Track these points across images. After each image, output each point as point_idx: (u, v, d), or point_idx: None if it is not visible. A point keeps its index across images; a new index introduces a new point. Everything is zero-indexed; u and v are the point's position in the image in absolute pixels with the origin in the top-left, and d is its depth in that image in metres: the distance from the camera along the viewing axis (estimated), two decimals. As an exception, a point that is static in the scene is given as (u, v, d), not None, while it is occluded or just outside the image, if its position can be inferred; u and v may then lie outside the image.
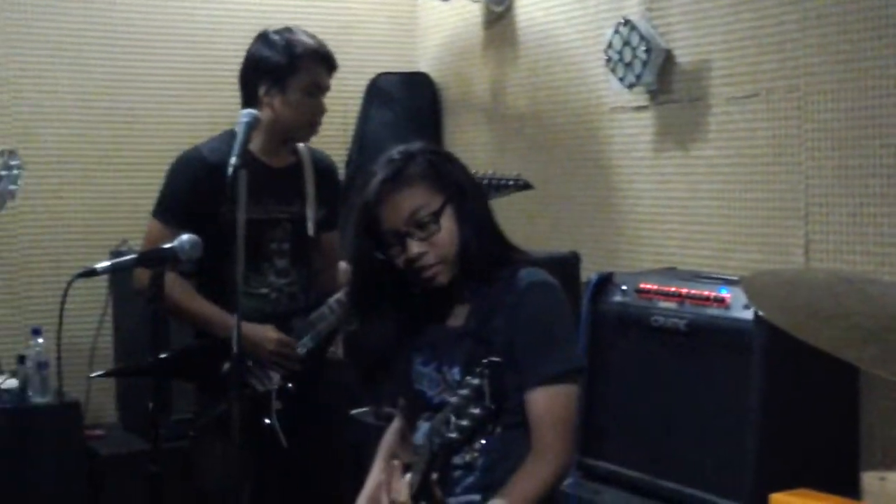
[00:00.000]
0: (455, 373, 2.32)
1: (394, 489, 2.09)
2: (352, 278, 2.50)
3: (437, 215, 2.32)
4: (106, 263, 2.88)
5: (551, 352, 2.29)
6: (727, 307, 3.03)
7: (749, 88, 3.60)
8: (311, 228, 3.44)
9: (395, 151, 2.39)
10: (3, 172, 3.71)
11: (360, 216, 2.37)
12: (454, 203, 2.34)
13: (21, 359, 4.34)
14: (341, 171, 4.95)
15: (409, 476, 2.05)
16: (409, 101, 5.20)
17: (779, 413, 2.92)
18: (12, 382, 4.36)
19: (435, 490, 2.01)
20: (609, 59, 3.99)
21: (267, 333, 3.27)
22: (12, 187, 3.70)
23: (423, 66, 5.33)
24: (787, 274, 2.97)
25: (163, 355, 2.87)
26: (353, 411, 4.13)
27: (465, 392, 1.84)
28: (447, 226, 2.33)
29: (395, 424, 2.59)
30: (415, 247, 2.31)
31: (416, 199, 2.32)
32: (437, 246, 2.32)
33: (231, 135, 3.31)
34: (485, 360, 1.82)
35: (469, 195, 2.37)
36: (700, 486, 3.05)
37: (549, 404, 2.27)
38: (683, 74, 3.84)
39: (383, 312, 2.42)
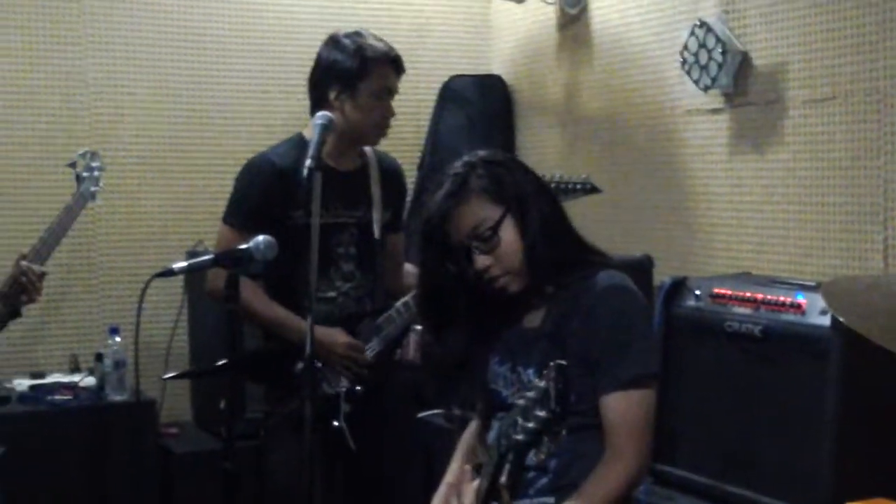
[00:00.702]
0: (530, 374, 2.33)
1: (463, 493, 2.10)
2: (420, 293, 2.52)
3: (496, 229, 2.32)
4: (183, 264, 2.91)
5: (628, 356, 2.27)
6: (803, 313, 2.99)
7: (826, 91, 3.54)
8: (376, 232, 3.45)
9: (458, 163, 2.40)
10: (86, 174, 3.76)
11: (426, 231, 2.39)
12: (514, 213, 2.33)
13: (99, 357, 4.42)
14: (413, 174, 4.98)
15: (476, 481, 2.05)
16: (481, 104, 5.20)
17: (855, 420, 2.87)
18: (90, 380, 4.44)
19: (503, 493, 2.01)
20: (684, 62, 3.96)
21: (337, 338, 3.29)
22: (94, 188, 3.75)
23: (496, 69, 5.33)
24: (865, 279, 2.93)
25: (235, 357, 2.89)
26: (422, 414, 4.14)
27: (531, 394, 1.84)
28: (508, 237, 2.33)
29: (474, 424, 2.59)
30: (480, 260, 2.33)
31: (475, 215, 2.33)
32: (501, 258, 2.33)
33: (298, 139, 3.35)
34: (551, 363, 1.82)
35: (531, 202, 2.35)
36: (774, 494, 3.01)
37: (624, 409, 2.25)
38: (760, 77, 3.79)
39: (456, 321, 2.42)
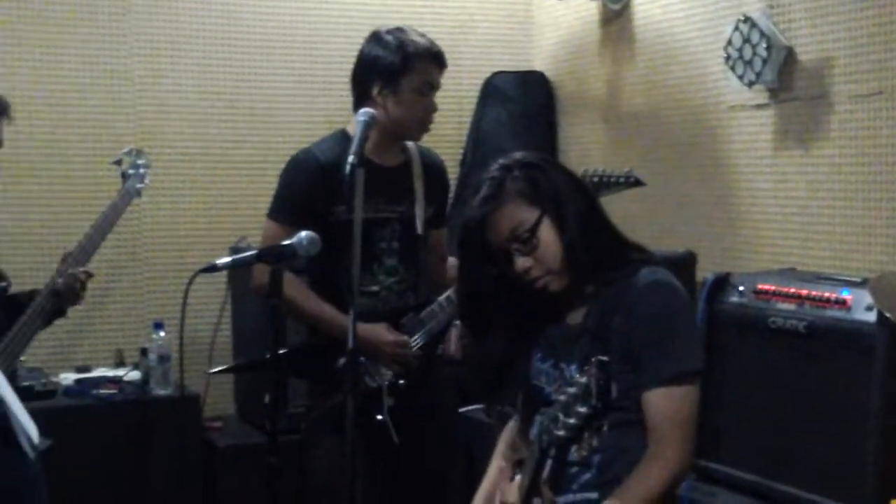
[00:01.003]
0: (572, 370, 2.32)
1: (505, 491, 2.10)
2: (460, 296, 2.54)
3: (534, 230, 2.32)
4: (227, 259, 2.93)
5: (671, 352, 2.26)
6: (849, 309, 2.96)
7: (873, 86, 3.51)
8: (419, 227, 3.46)
9: (494, 167, 2.41)
10: (131, 171, 3.79)
11: (464, 237, 2.40)
12: (551, 214, 2.33)
13: (144, 352, 4.46)
14: (455, 170, 4.98)
15: (518, 478, 2.05)
16: (523, 100, 5.20)
17: (901, 417, 2.85)
18: (135, 375, 4.49)
19: (544, 489, 2.01)
20: (728, 57, 3.93)
21: (383, 335, 3.30)
22: (139, 185, 3.79)
23: (538, 65, 5.32)
24: (911, 275, 2.90)
25: (279, 352, 2.91)
26: (464, 409, 4.14)
27: (572, 390, 1.84)
28: (547, 238, 2.33)
29: (515, 420, 2.60)
30: (520, 262, 2.34)
31: (513, 218, 2.33)
32: (541, 259, 2.33)
33: (342, 135, 3.36)
34: (592, 359, 1.82)
35: (568, 202, 2.35)
36: (818, 491, 2.99)
37: (667, 405, 2.25)
38: (805, 72, 3.76)
39: (498, 323, 2.43)
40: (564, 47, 5.15)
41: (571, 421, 1.83)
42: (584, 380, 1.82)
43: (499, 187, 2.35)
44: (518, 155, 2.43)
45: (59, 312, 3.32)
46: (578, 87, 5.08)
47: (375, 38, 3.39)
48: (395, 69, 3.31)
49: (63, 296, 3.27)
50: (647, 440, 2.27)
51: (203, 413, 4.58)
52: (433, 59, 3.38)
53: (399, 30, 3.39)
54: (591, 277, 2.36)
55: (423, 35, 3.41)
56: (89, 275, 3.34)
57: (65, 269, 3.28)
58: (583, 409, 1.81)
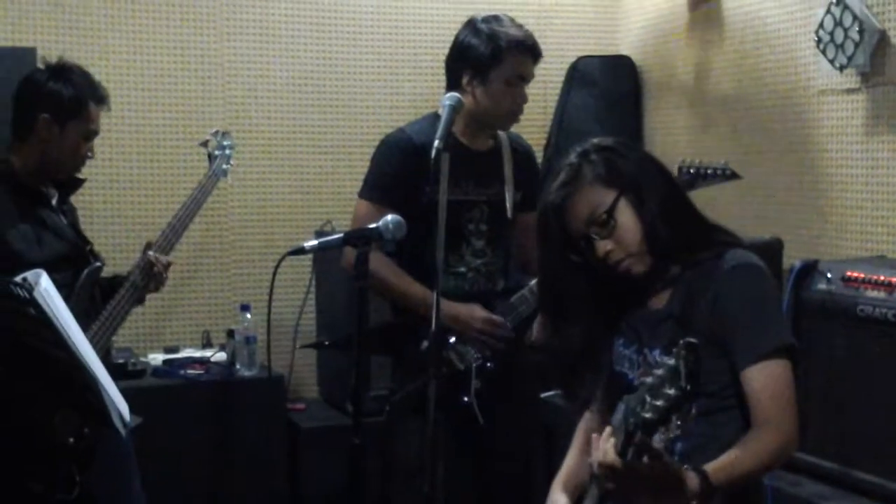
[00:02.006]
0: (656, 355, 2.30)
1: (601, 450, 2.06)
2: (540, 285, 2.53)
3: (611, 212, 2.31)
4: (314, 242, 2.94)
5: (764, 329, 2.23)
6: (939, 297, 2.91)
7: (969, 69, 3.43)
8: (509, 211, 3.46)
9: (572, 153, 2.39)
10: (217, 152, 3.84)
11: (542, 224, 2.39)
12: (629, 195, 2.31)
13: (230, 333, 4.52)
14: (540, 155, 4.97)
15: (612, 440, 2.03)
16: (609, 85, 5.16)
17: None
18: (221, 356, 4.55)
19: (643, 440, 1.96)
20: (819, 41, 3.87)
21: (475, 312, 3.32)
22: (225, 167, 3.83)
23: (624, 50, 5.28)
24: None
25: (365, 331, 2.92)
26: (545, 394, 4.14)
27: (660, 372, 1.82)
28: (625, 219, 2.31)
29: (594, 409, 2.58)
30: (601, 246, 2.32)
31: (589, 202, 2.32)
32: (621, 241, 2.31)
33: (435, 117, 3.36)
34: (681, 341, 1.79)
35: (645, 183, 2.32)
36: (905, 483, 2.94)
37: (767, 380, 2.20)
38: (898, 55, 3.69)
39: (578, 310, 2.41)
40: (651, 31, 5.10)
41: (659, 403, 1.81)
42: (672, 362, 1.80)
43: (576, 172, 2.34)
44: (596, 140, 2.41)
45: (140, 300, 3.37)
46: (665, 71, 5.04)
47: (471, 26, 3.38)
48: (486, 60, 3.30)
49: (142, 284, 3.31)
50: (745, 425, 2.23)
51: (287, 394, 4.63)
52: (526, 50, 3.37)
53: (495, 19, 3.37)
54: (674, 258, 2.33)
55: (519, 26, 3.39)
56: (169, 264, 3.37)
57: (144, 259, 3.33)
58: (671, 391, 1.79)
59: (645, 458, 1.98)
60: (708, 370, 2.07)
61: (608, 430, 2.06)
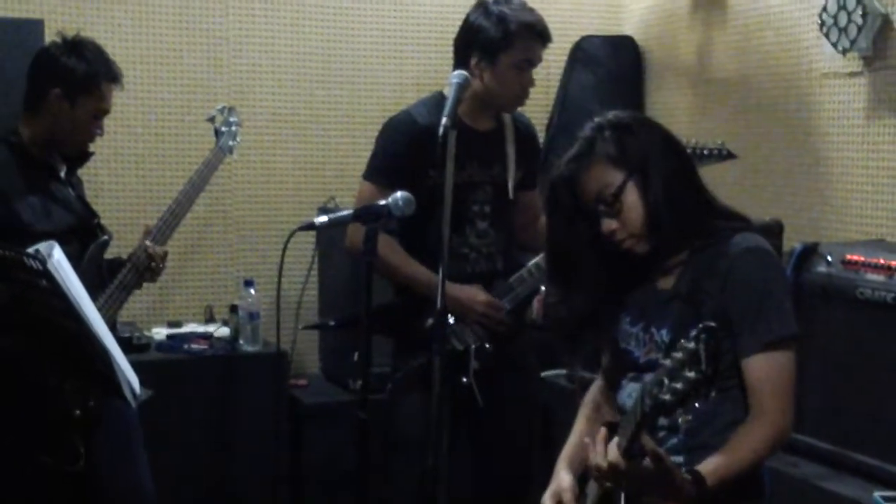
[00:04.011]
0: (663, 334, 2.33)
1: (600, 452, 2.10)
2: (548, 253, 2.54)
3: (618, 194, 2.33)
4: (324, 218, 2.90)
5: (769, 318, 2.26)
6: (939, 281, 2.93)
7: (972, 55, 3.45)
8: (510, 191, 3.48)
9: (588, 125, 2.40)
10: (224, 128, 3.85)
11: (552, 194, 2.41)
12: (637, 178, 2.33)
13: (234, 309, 4.54)
14: (542, 134, 4.98)
15: (616, 439, 2.06)
16: (612, 65, 5.17)
17: None
18: (224, 331, 4.57)
19: (645, 439, 2.00)
20: (823, 24, 3.88)
21: (476, 295, 3.34)
22: (231, 143, 3.84)
23: (628, 30, 5.29)
24: None
25: (370, 310, 2.94)
26: (545, 373, 4.17)
27: (679, 356, 1.83)
28: (631, 202, 2.33)
29: (598, 383, 2.61)
30: (605, 224, 2.35)
31: (598, 180, 2.34)
32: (625, 222, 2.34)
33: (439, 97, 3.37)
34: (700, 325, 1.81)
35: (655, 167, 2.33)
36: (902, 464, 2.98)
37: (768, 370, 2.24)
38: (901, 40, 3.70)
39: (585, 279, 2.44)
40: (655, 11, 5.11)
41: (679, 386, 1.82)
42: (692, 345, 1.81)
43: (588, 147, 2.35)
44: (612, 115, 2.41)
45: (137, 286, 3.37)
46: (668, 52, 5.05)
47: (482, 7, 3.37)
48: (495, 43, 3.30)
49: (138, 274, 3.32)
50: (744, 405, 2.26)
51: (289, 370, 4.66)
52: (536, 35, 3.36)
53: (506, 1, 3.36)
54: (677, 244, 2.36)
55: (530, 10, 3.39)
56: (165, 254, 3.37)
57: (142, 248, 3.33)
58: (691, 375, 1.81)
59: (646, 461, 2.02)
60: (721, 353, 2.10)
61: (603, 430, 2.10)
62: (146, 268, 3.32)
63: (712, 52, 4.72)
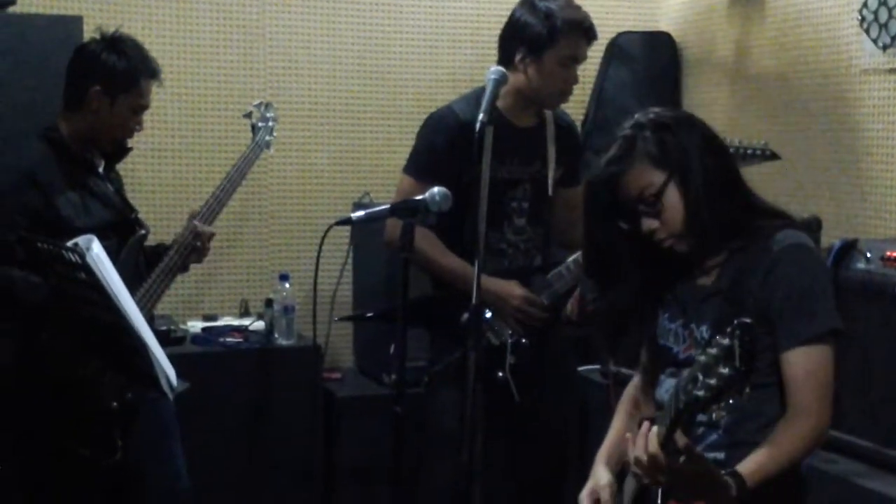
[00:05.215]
0: (703, 330, 2.33)
1: (639, 446, 2.09)
2: (586, 249, 2.53)
3: (659, 195, 2.32)
4: (361, 213, 2.90)
5: (810, 313, 2.25)
6: (979, 279, 2.90)
7: None
8: (550, 188, 3.48)
9: (628, 123, 2.39)
10: (261, 124, 3.87)
11: (591, 193, 2.41)
12: (677, 178, 2.31)
13: (269, 302, 4.56)
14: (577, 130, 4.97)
15: (655, 428, 2.05)
16: (648, 61, 5.15)
17: None
18: (259, 324, 4.59)
19: (679, 438, 2.00)
20: (863, 19, 3.85)
21: (513, 290, 3.34)
22: (268, 138, 3.86)
23: (664, 26, 5.26)
24: None
25: (406, 303, 2.95)
26: (581, 368, 4.16)
27: (714, 351, 1.82)
28: (672, 202, 2.32)
29: (636, 380, 2.61)
30: (646, 223, 2.35)
31: (640, 180, 2.33)
32: (666, 222, 2.33)
33: (481, 92, 3.36)
34: (736, 321, 1.80)
35: (695, 167, 2.31)
36: (941, 463, 2.95)
37: (808, 366, 2.23)
38: (942, 35, 3.66)
39: (624, 276, 2.43)
40: (692, 7, 5.09)
41: (713, 382, 1.82)
42: (727, 341, 1.81)
43: (629, 147, 2.34)
44: (652, 113, 2.40)
45: (184, 268, 3.40)
46: (705, 48, 5.02)
47: (528, 3, 3.37)
48: (541, 40, 3.30)
49: (185, 253, 3.35)
50: (781, 402, 2.26)
51: (323, 364, 4.67)
52: (582, 32, 3.36)
53: None
54: (717, 243, 2.34)
55: (576, 7, 3.38)
56: (212, 235, 3.41)
57: (189, 228, 3.36)
58: (725, 371, 1.80)
59: (682, 458, 2.01)
60: (756, 349, 2.08)
61: (646, 424, 2.09)
62: (193, 248, 3.34)
63: (750, 48, 4.69)
